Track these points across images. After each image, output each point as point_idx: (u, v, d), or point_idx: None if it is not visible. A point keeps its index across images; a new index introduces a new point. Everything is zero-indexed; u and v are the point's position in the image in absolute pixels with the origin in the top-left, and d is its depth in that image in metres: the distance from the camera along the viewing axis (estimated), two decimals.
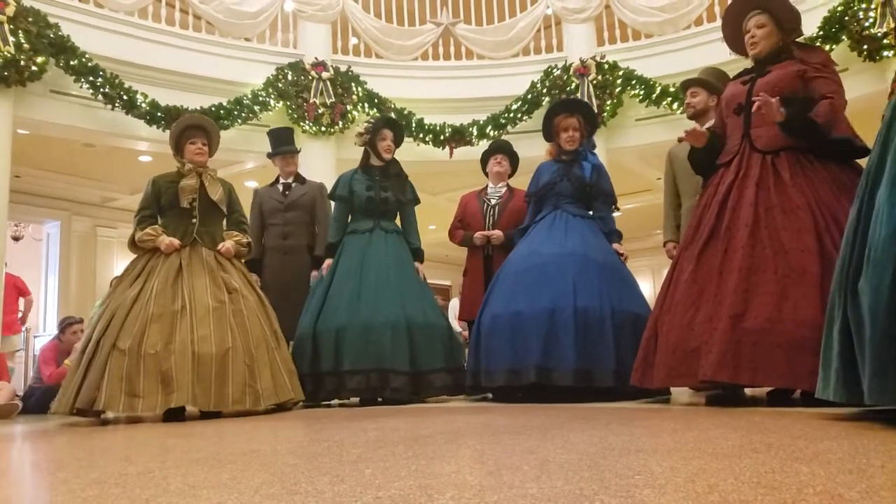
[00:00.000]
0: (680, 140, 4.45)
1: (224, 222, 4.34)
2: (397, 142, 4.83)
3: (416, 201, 4.92)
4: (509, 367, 3.99)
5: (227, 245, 4.15)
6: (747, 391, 3.71)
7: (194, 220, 4.13)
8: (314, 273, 4.88)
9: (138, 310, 3.78)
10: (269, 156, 5.40)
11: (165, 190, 4.17)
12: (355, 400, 4.58)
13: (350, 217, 4.79)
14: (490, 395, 4.46)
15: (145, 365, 3.61)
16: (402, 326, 4.25)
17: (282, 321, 4.28)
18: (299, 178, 5.33)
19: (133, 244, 4.15)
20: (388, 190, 4.71)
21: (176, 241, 4.05)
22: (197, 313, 3.77)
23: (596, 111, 8.78)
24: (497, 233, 5.00)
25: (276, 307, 4.31)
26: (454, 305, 5.76)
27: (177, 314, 3.76)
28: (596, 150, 4.73)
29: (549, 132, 4.56)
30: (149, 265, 4.00)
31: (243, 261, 4.37)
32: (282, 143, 5.36)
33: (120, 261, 11.65)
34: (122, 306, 3.80)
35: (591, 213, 4.47)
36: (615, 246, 4.33)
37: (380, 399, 4.28)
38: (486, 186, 5.33)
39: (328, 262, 4.63)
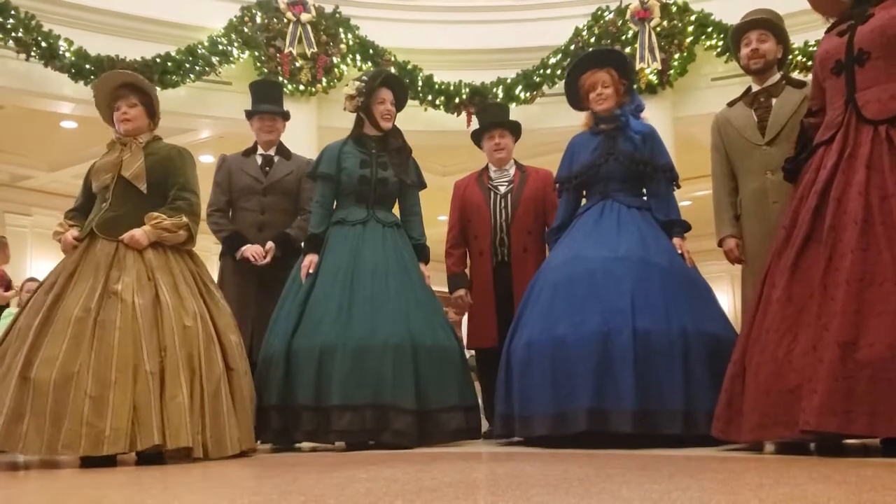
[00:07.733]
0: (730, 104, 4.40)
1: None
2: (399, 104, 4.79)
3: (422, 185, 4.89)
4: (553, 411, 3.95)
5: (133, 233, 4.05)
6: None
7: (103, 206, 4.15)
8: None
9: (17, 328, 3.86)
10: (248, 115, 5.34)
11: (95, 174, 4.22)
12: (340, 443, 4.58)
13: (336, 203, 4.77)
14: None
15: None
16: (408, 350, 4.24)
17: (251, 338, 4.28)
18: (283, 152, 5.29)
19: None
20: (388, 168, 4.69)
21: (69, 237, 4.09)
22: (55, 329, 3.76)
23: (658, 66, 8.81)
24: None
25: (242, 320, 4.29)
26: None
27: (29, 331, 3.75)
28: (654, 118, 4.67)
29: (576, 97, 4.53)
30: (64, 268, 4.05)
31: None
32: (264, 100, 5.31)
33: (36, 258, 11.70)
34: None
35: (645, 198, 4.44)
36: (676, 241, 4.28)
37: (371, 442, 4.28)
38: (487, 167, 5.30)
39: (311, 258, 4.57)
